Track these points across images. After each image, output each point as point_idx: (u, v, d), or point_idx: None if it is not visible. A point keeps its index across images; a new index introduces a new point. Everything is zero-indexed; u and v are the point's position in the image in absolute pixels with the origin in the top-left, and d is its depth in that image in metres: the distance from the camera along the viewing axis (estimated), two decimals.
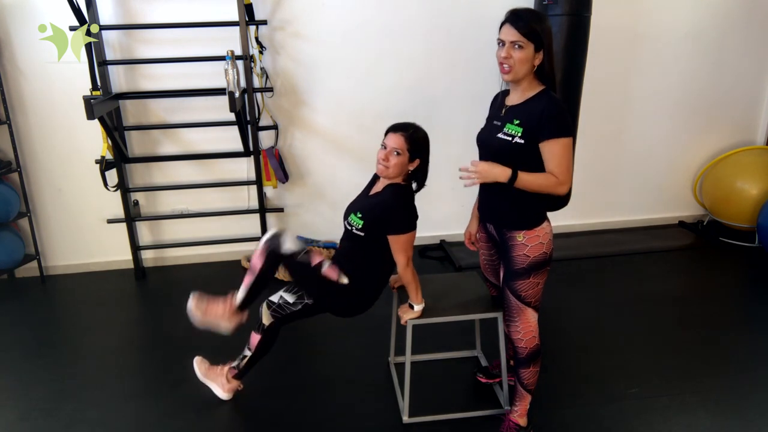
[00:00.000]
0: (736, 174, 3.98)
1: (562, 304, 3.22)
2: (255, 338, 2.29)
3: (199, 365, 2.44)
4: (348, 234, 2.17)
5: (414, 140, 2.07)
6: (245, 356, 2.32)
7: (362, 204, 2.16)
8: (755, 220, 3.80)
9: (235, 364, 2.37)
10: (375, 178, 2.27)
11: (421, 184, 2.20)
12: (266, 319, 2.26)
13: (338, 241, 3.86)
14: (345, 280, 2.14)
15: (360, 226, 2.09)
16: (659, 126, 4.13)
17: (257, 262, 2.17)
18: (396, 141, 2.06)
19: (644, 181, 4.26)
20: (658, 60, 3.94)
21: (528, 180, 1.87)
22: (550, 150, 1.86)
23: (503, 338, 2.28)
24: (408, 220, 2.08)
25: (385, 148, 2.08)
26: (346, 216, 2.18)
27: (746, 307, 3.27)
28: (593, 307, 3.20)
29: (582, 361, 2.71)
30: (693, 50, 3.97)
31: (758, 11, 3.95)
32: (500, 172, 1.87)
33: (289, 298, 2.22)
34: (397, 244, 2.07)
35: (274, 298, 2.26)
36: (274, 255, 2.15)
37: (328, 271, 2.15)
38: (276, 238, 2.15)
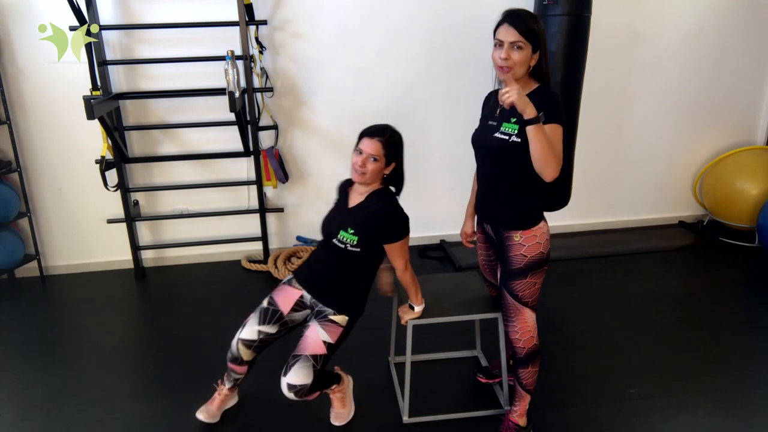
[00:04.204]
0: (736, 174, 3.98)
1: (562, 304, 3.22)
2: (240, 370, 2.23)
3: (204, 416, 2.31)
4: (339, 252, 2.04)
5: (390, 145, 1.99)
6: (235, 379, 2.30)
7: (352, 218, 2.04)
8: (755, 220, 3.80)
9: (229, 386, 2.33)
10: (346, 187, 2.16)
11: (398, 189, 2.12)
12: (247, 356, 2.17)
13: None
14: (345, 319, 2.09)
15: (355, 242, 1.99)
16: (659, 126, 4.13)
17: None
18: (372, 147, 1.97)
19: (644, 181, 4.26)
20: (658, 60, 3.94)
21: (545, 135, 1.74)
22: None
23: (503, 338, 2.28)
24: (404, 224, 2.04)
25: (361, 153, 1.98)
26: (332, 234, 2.04)
27: (746, 307, 3.27)
28: (593, 307, 3.20)
29: (582, 361, 2.71)
30: (693, 50, 3.97)
31: (758, 11, 3.95)
32: (530, 105, 1.70)
33: (272, 330, 2.14)
34: (396, 250, 2.04)
35: (252, 336, 2.13)
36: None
37: (331, 334, 2.06)
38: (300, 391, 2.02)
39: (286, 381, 2.00)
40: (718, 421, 2.29)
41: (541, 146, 1.74)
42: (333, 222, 2.09)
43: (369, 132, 2.01)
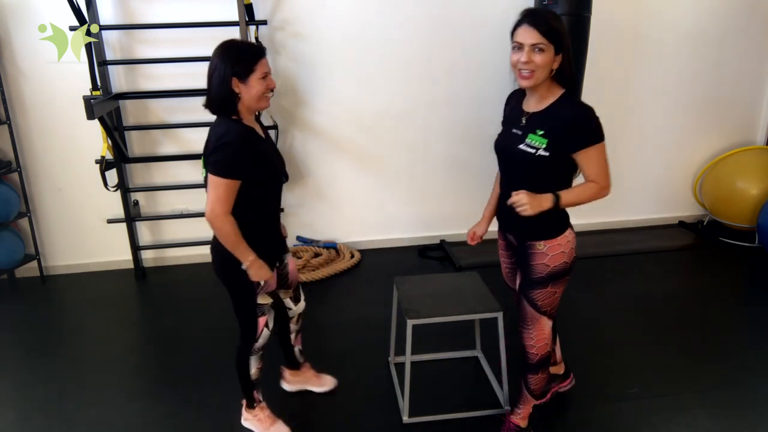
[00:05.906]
0: (736, 174, 3.98)
1: (562, 304, 3.20)
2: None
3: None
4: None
5: None
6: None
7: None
8: (755, 220, 3.80)
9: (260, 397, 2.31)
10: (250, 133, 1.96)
11: None
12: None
13: (336, 242, 3.90)
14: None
15: None
16: (659, 126, 4.13)
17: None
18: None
19: (644, 181, 4.26)
20: (659, 60, 3.94)
21: (571, 197, 1.78)
22: (588, 158, 1.74)
23: (503, 338, 2.27)
24: None
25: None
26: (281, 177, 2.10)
27: (746, 307, 3.26)
28: (593, 307, 3.20)
29: (582, 361, 2.70)
30: (693, 50, 3.97)
31: (759, 11, 3.95)
32: (545, 201, 1.75)
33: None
34: None
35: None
36: None
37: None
38: None
39: (303, 302, 2.36)
40: (718, 421, 2.29)
41: (579, 202, 1.79)
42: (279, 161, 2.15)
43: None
